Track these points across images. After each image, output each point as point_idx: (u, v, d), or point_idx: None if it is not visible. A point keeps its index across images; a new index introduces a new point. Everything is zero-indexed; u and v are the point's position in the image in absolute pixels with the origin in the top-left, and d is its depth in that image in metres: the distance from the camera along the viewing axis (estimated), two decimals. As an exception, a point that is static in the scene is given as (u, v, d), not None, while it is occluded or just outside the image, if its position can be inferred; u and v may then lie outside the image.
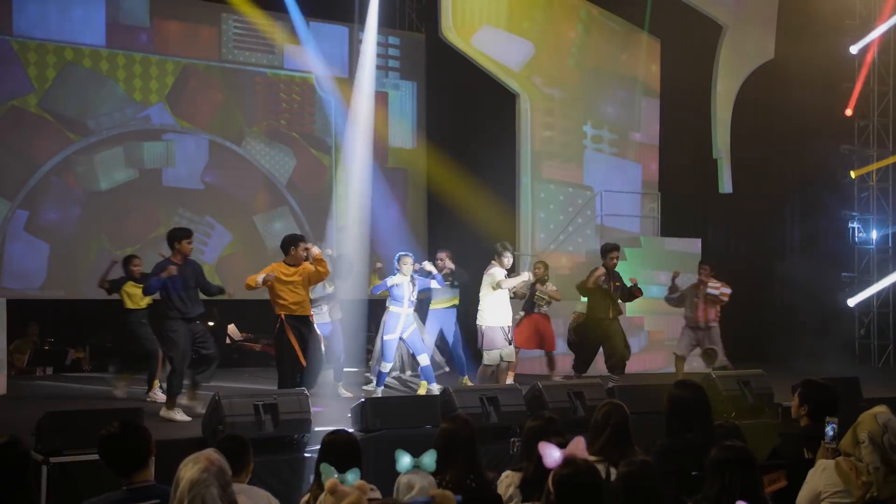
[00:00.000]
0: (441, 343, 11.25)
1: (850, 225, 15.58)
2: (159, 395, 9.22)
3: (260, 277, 8.41)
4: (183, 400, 8.24)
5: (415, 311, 10.12)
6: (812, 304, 14.29)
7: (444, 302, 10.70)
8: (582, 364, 10.46)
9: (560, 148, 14.64)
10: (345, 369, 10.28)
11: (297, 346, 8.43)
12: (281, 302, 8.52)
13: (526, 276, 10.38)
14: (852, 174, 15.36)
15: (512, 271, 10.24)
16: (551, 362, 11.27)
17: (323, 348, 9.39)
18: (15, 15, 13.25)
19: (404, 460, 3.73)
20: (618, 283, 10.40)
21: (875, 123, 15.37)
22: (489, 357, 9.74)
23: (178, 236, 8.40)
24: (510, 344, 9.87)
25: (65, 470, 5.86)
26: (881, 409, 4.23)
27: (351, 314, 12.40)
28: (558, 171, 14.60)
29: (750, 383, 8.67)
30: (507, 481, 4.55)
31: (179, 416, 7.95)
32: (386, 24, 15.40)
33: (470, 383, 10.17)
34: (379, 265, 11.70)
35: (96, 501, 3.78)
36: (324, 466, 3.13)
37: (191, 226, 13.63)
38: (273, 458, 6.38)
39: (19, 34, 13.28)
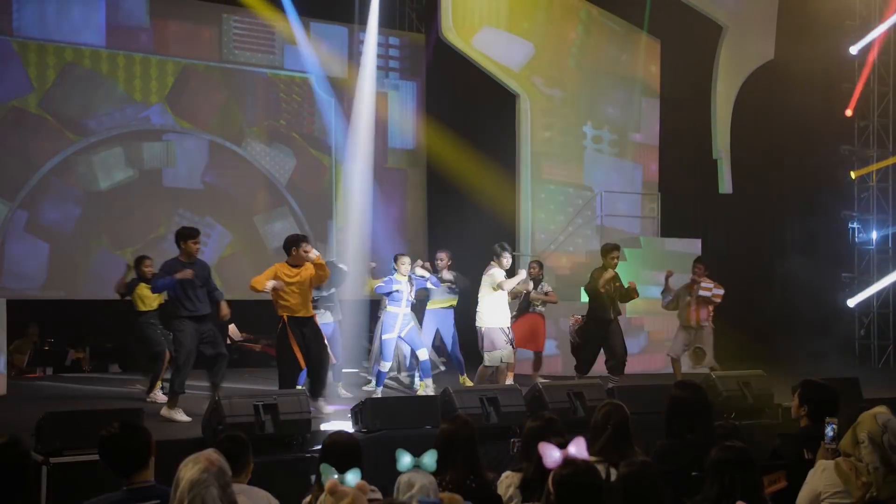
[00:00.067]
0: (440, 343, 11.25)
1: (850, 225, 15.58)
2: (160, 396, 9.23)
3: (269, 284, 8.37)
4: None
5: (412, 310, 10.14)
6: (812, 304, 14.30)
7: (441, 302, 10.71)
8: (584, 365, 10.43)
9: (560, 148, 14.64)
10: (344, 370, 10.29)
11: (296, 349, 8.43)
12: (283, 303, 8.51)
13: (523, 275, 10.38)
14: (852, 174, 15.37)
15: (511, 272, 10.24)
16: (537, 363, 11.26)
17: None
18: (15, 15, 13.25)
19: (405, 460, 3.72)
20: (617, 284, 10.40)
21: (875, 124, 15.37)
22: (490, 358, 9.74)
23: (185, 236, 8.41)
24: (511, 345, 9.88)
25: (65, 470, 5.86)
26: (881, 410, 4.23)
27: (351, 314, 12.42)
28: (558, 171, 14.60)
29: (750, 384, 8.67)
30: (507, 482, 4.55)
31: (180, 415, 7.95)
32: (386, 24, 15.40)
33: (469, 382, 10.18)
34: (373, 265, 11.70)
35: (96, 501, 3.78)
36: (324, 467, 3.13)
37: (191, 226, 13.69)
38: (273, 459, 6.38)
39: (19, 34, 13.28)
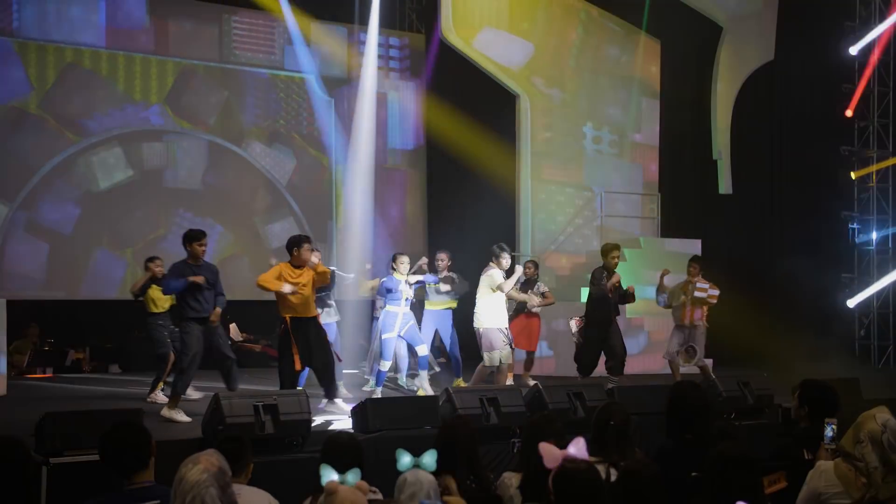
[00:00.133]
0: (439, 344, 11.25)
1: (850, 225, 15.58)
2: (160, 397, 9.23)
3: (287, 288, 8.36)
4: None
5: (411, 310, 10.15)
6: (812, 304, 14.29)
7: (440, 304, 10.69)
8: (587, 367, 10.39)
9: (560, 148, 14.65)
10: (344, 371, 10.29)
11: (295, 351, 8.45)
12: (286, 304, 8.52)
13: (519, 272, 10.37)
14: (852, 175, 15.37)
15: (511, 272, 10.23)
16: (529, 362, 11.23)
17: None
18: (15, 15, 13.26)
19: (405, 460, 3.72)
20: (617, 285, 10.39)
21: (875, 124, 15.38)
22: (489, 358, 9.74)
23: (190, 238, 8.41)
24: (509, 346, 9.88)
25: (65, 470, 5.85)
26: (881, 409, 4.23)
27: (352, 315, 12.42)
28: (558, 171, 14.60)
29: (750, 384, 8.68)
30: (508, 482, 4.55)
31: (180, 416, 7.95)
32: (386, 24, 15.41)
33: (464, 384, 10.17)
34: (368, 266, 11.70)
35: (96, 502, 3.78)
36: (323, 467, 3.13)
37: (190, 226, 13.62)
38: (273, 459, 6.38)
39: (19, 35, 13.28)
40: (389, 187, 15.80)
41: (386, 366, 9.90)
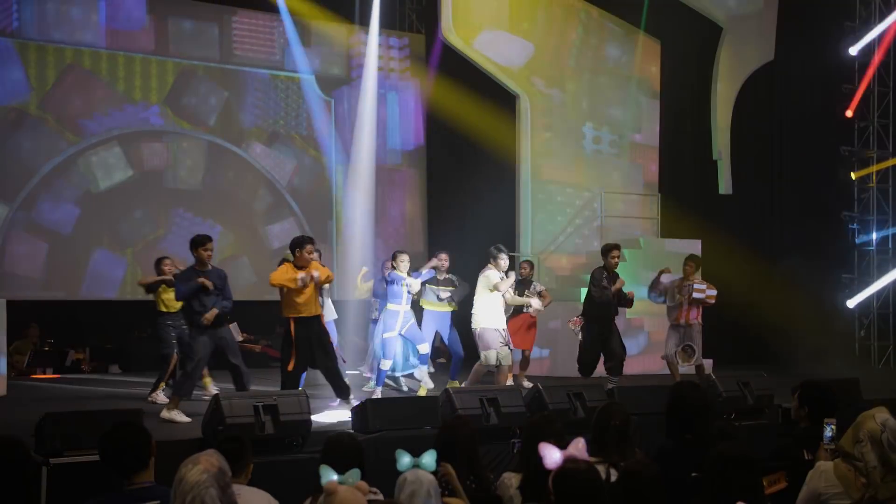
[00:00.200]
0: (439, 344, 11.25)
1: (850, 225, 15.59)
2: (160, 398, 9.23)
3: (301, 276, 8.39)
4: None
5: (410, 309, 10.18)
6: (812, 304, 14.28)
7: (440, 305, 10.68)
8: (589, 367, 10.37)
9: (560, 148, 14.64)
10: (347, 372, 10.31)
11: (294, 353, 8.46)
12: (290, 305, 8.53)
13: (513, 278, 10.37)
14: (853, 175, 15.37)
15: (509, 272, 10.23)
16: (525, 362, 11.23)
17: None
18: (15, 16, 13.25)
19: (404, 460, 3.72)
20: (619, 289, 10.38)
21: (875, 125, 15.38)
22: (486, 357, 9.75)
23: (195, 244, 8.41)
24: (508, 346, 9.88)
25: (65, 471, 5.85)
26: (880, 409, 4.24)
27: (352, 315, 12.43)
28: (558, 171, 14.60)
29: (750, 384, 8.67)
30: (508, 482, 4.55)
31: (180, 417, 7.96)
32: (386, 24, 15.41)
33: (458, 385, 10.16)
34: (365, 269, 11.71)
35: (96, 502, 3.78)
36: (323, 468, 3.13)
37: (190, 227, 13.71)
38: (273, 459, 6.38)
39: (19, 35, 13.27)
40: (389, 187, 15.81)
41: (386, 365, 9.90)
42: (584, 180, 14.73)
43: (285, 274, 8.49)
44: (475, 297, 9.93)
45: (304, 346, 8.52)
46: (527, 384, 10.12)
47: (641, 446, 4.88)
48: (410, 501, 3.61)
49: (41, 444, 6.00)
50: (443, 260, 10.67)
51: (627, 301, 10.44)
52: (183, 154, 14.38)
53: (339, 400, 8.64)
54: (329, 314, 10.03)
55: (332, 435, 4.46)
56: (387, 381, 10.14)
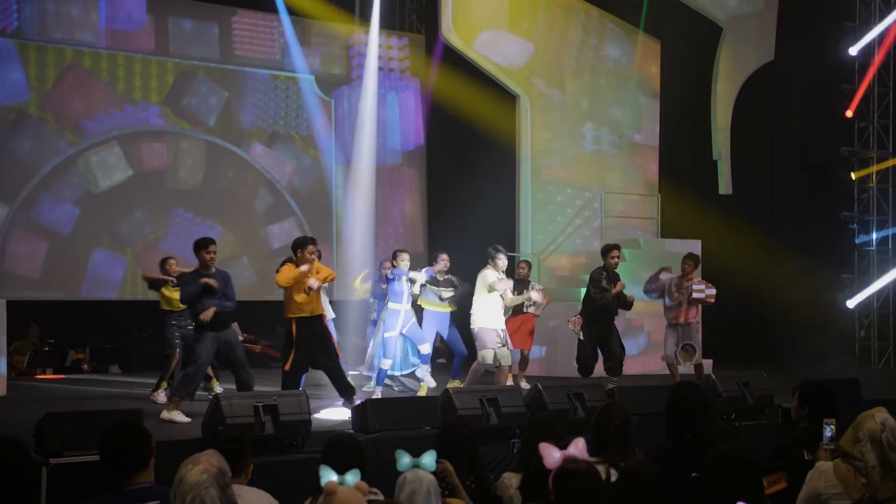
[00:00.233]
0: (439, 344, 11.24)
1: (850, 225, 15.59)
2: (160, 397, 9.23)
3: (304, 266, 8.41)
4: None
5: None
6: (812, 304, 14.29)
7: (440, 306, 10.68)
8: (589, 367, 10.35)
9: (560, 148, 14.64)
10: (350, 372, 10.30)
11: (292, 355, 8.47)
12: (293, 305, 8.54)
13: (510, 284, 10.36)
14: (853, 175, 15.37)
15: (509, 272, 10.24)
16: (524, 362, 11.23)
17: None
18: (15, 16, 13.25)
19: (404, 460, 3.72)
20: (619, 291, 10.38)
21: (875, 125, 15.39)
22: (483, 357, 9.76)
23: (198, 247, 8.41)
24: (507, 347, 9.88)
25: (65, 471, 5.85)
26: (879, 410, 4.24)
27: (352, 315, 12.42)
28: (558, 171, 14.60)
29: (750, 384, 8.67)
30: (508, 483, 4.55)
31: (180, 417, 7.95)
32: (386, 24, 15.40)
33: (458, 384, 10.17)
34: (365, 271, 11.72)
35: (96, 502, 3.78)
36: (322, 468, 3.12)
37: (190, 227, 13.73)
38: (273, 459, 6.38)
39: (19, 35, 13.27)
40: (389, 187, 15.80)
41: (387, 364, 9.91)
42: (584, 180, 14.73)
43: (290, 272, 8.49)
44: (474, 298, 9.93)
45: (305, 346, 8.52)
46: (525, 385, 10.12)
47: (641, 446, 4.88)
48: (410, 501, 3.61)
49: (41, 444, 6.00)
50: (443, 261, 10.67)
51: (627, 304, 10.44)
52: (183, 154, 14.37)
53: (343, 399, 8.64)
54: (327, 314, 10.03)
55: (332, 435, 4.46)
56: (387, 381, 10.15)
